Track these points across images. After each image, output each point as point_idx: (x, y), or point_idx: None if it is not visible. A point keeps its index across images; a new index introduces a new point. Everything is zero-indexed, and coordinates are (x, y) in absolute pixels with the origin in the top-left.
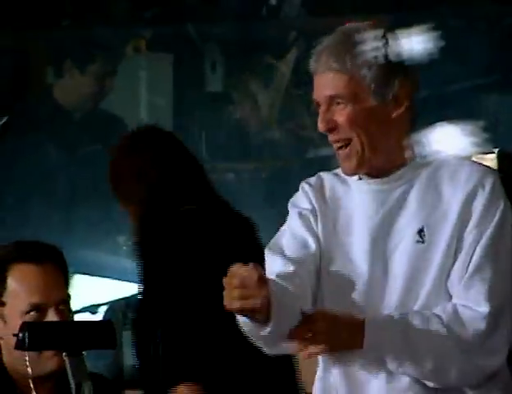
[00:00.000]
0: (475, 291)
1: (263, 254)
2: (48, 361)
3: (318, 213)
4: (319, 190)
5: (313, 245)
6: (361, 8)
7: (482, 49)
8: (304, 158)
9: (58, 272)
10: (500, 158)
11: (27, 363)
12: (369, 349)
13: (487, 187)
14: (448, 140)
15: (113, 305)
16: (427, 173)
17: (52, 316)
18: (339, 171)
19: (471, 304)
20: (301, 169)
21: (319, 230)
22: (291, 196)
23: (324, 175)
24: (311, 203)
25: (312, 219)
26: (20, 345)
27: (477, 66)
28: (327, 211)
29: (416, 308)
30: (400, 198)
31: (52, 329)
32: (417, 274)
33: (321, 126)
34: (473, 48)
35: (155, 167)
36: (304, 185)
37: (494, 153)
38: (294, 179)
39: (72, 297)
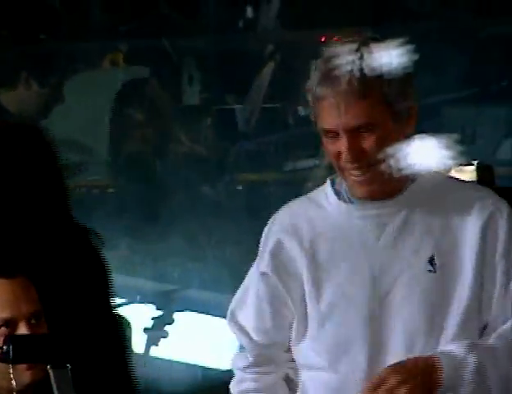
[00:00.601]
0: None
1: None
2: (23, 374)
3: (289, 262)
4: (287, 231)
5: (281, 309)
6: (336, 22)
7: (459, 62)
8: (282, 171)
9: (30, 285)
10: (479, 169)
11: (11, 375)
12: (448, 383)
13: (505, 213)
14: (426, 153)
15: None
16: (431, 197)
17: (22, 330)
18: (314, 195)
19: None
20: (278, 182)
21: (293, 276)
22: (269, 208)
23: (289, 209)
24: (277, 257)
25: (276, 278)
26: (4, 359)
27: (454, 78)
28: (303, 249)
29: (443, 341)
30: (402, 223)
31: (36, 342)
32: (434, 305)
33: (351, 158)
34: (450, 60)
35: None
36: (268, 236)
37: (473, 164)
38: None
39: None
